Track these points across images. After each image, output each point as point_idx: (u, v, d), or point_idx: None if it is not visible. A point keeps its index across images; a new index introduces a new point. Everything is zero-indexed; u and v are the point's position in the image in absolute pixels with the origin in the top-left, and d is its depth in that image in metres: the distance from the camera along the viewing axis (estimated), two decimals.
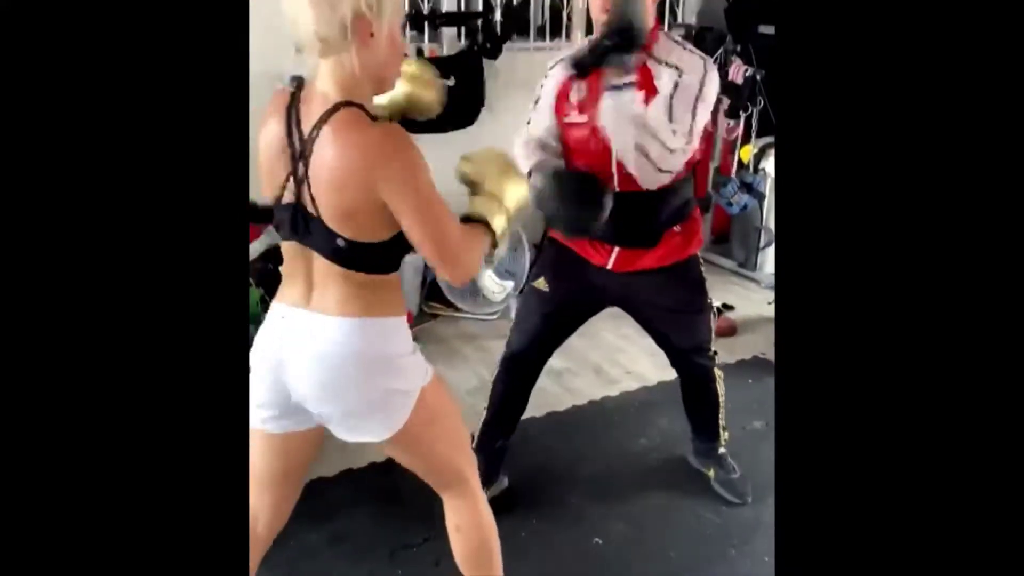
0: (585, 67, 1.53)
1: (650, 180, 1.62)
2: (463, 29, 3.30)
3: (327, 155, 1.10)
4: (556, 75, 1.73)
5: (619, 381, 2.70)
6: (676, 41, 1.70)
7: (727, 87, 3.23)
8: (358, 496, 2.02)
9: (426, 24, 3.25)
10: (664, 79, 1.61)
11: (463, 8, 3.35)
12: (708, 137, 3.70)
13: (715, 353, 1.97)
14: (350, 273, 1.16)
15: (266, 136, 1.18)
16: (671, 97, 1.59)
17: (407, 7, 3.19)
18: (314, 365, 1.19)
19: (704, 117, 1.63)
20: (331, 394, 1.20)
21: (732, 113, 3.31)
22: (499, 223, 1.26)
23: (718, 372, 1.99)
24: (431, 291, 3.17)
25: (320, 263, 1.17)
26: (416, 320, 3.07)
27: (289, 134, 1.14)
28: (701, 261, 1.90)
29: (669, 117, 1.58)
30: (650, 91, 1.59)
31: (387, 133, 1.11)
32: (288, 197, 1.16)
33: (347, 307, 1.17)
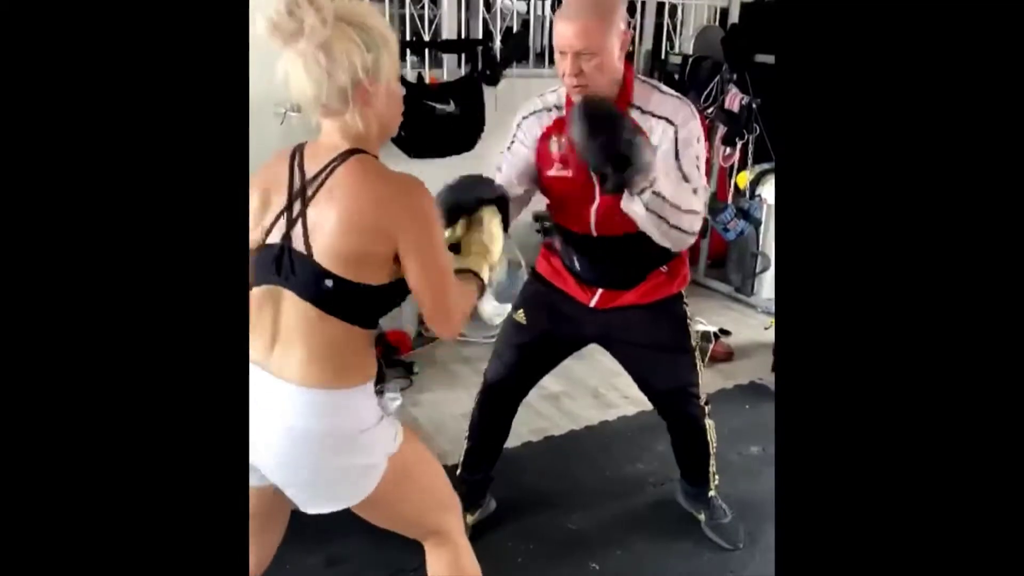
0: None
1: (681, 244, 1.58)
2: (463, 56, 3.35)
3: (339, 197, 1.09)
4: (533, 126, 1.68)
5: (617, 406, 2.70)
6: (649, 83, 1.64)
7: (724, 115, 3.27)
8: (355, 519, 2.01)
9: (427, 51, 3.30)
10: (658, 133, 1.56)
11: (464, 35, 3.40)
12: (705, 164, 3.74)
13: (707, 403, 1.89)
14: (322, 325, 1.12)
15: (262, 179, 1.17)
16: (676, 156, 1.55)
17: (408, 34, 3.24)
18: (274, 439, 1.14)
19: (703, 164, 1.62)
20: (291, 469, 1.17)
21: (729, 140, 3.35)
22: (485, 274, 1.34)
23: (709, 422, 1.91)
24: None
25: (290, 314, 1.13)
26: (414, 343, 3.08)
27: (291, 176, 1.14)
28: (686, 301, 1.86)
29: (682, 175, 1.54)
30: None
31: (409, 184, 1.12)
32: (275, 237, 1.14)
33: (312, 374, 1.12)
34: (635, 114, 1.59)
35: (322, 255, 1.10)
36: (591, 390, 2.80)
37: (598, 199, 1.64)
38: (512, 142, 1.72)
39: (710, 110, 3.33)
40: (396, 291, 1.16)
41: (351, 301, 1.13)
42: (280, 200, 1.14)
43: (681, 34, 4.02)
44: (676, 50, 3.92)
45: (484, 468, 1.99)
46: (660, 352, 1.82)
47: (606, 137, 1.40)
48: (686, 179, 1.56)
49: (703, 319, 3.26)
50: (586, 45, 1.49)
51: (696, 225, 1.55)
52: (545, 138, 1.67)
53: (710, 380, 2.90)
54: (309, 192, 1.12)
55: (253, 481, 1.24)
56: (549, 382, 2.79)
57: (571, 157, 1.61)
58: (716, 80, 3.24)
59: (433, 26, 3.31)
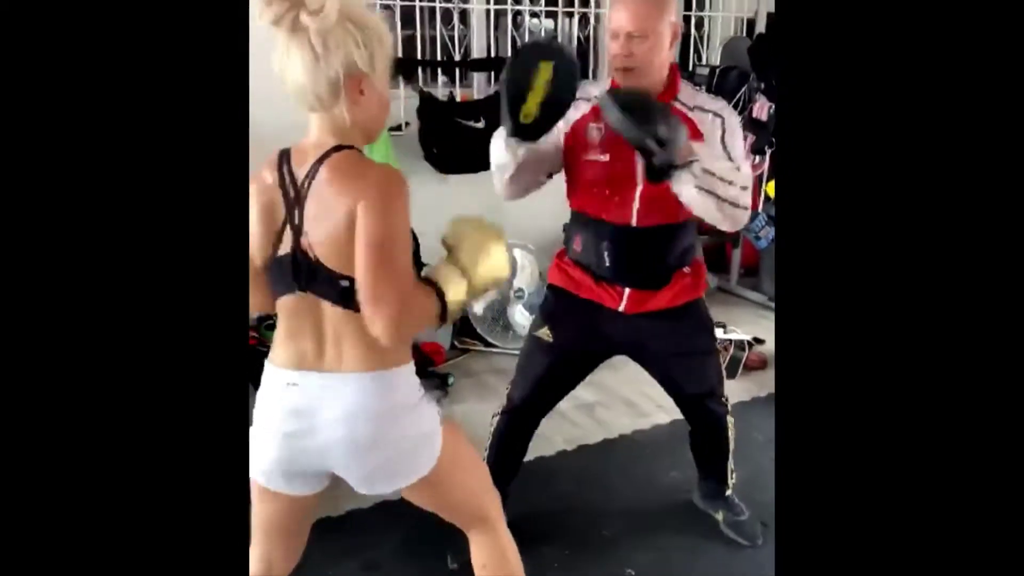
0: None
1: (737, 220, 1.59)
2: (493, 74, 3.42)
3: (324, 195, 1.12)
4: (570, 113, 1.66)
5: (650, 414, 2.71)
6: (690, 84, 1.73)
7: (752, 124, 3.29)
8: (392, 526, 2.06)
9: (457, 70, 3.37)
10: (708, 123, 1.64)
11: (493, 54, 3.47)
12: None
13: (726, 399, 1.93)
14: (356, 319, 1.14)
15: (258, 191, 1.17)
16: (724, 142, 1.62)
17: (440, 55, 3.32)
18: (346, 427, 1.18)
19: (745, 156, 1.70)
20: (364, 451, 1.20)
21: (758, 149, 3.35)
22: (455, 292, 1.21)
23: (731, 419, 1.95)
24: (463, 326, 3.23)
25: (331, 315, 1.16)
26: (448, 355, 3.13)
27: (282, 184, 1.16)
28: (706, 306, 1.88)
29: (728, 155, 1.62)
30: (695, 135, 1.60)
31: (387, 173, 1.13)
32: (284, 249, 1.16)
33: (365, 362, 1.17)
34: (682, 107, 1.64)
35: (328, 259, 1.13)
36: (625, 399, 2.81)
37: (641, 185, 1.64)
38: None
39: (738, 119, 3.35)
40: None
41: None
42: (280, 211, 1.16)
43: (708, 46, 4.04)
44: (704, 62, 3.94)
45: (500, 487, 1.97)
46: (692, 358, 1.84)
47: (643, 116, 1.44)
48: (731, 159, 1.62)
49: (737, 328, 3.25)
50: (638, 27, 1.55)
51: (747, 199, 1.57)
52: (582, 125, 1.69)
53: (744, 388, 2.91)
54: (302, 198, 1.14)
55: (302, 491, 1.29)
56: (583, 392, 2.80)
57: (610, 143, 1.64)
58: (743, 90, 3.25)
59: (463, 45, 3.39)
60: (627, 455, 2.47)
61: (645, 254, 1.73)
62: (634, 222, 1.69)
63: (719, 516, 2.06)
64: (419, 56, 3.31)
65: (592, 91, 1.72)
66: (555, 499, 2.19)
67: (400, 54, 3.29)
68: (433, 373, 2.89)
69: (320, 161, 1.13)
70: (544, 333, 1.85)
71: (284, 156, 1.18)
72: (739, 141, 1.65)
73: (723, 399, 1.91)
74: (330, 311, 1.17)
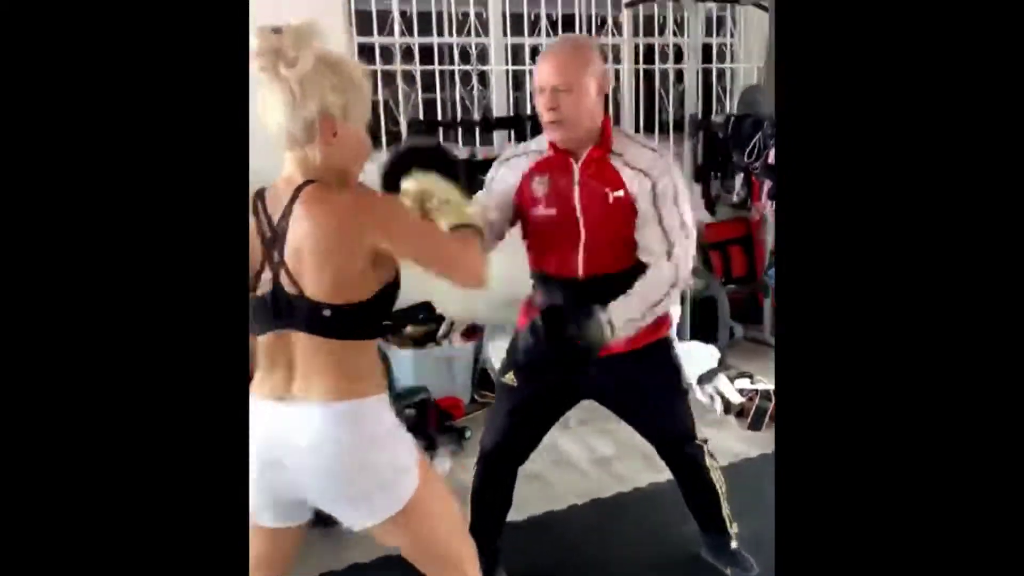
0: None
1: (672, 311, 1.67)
2: (514, 131, 3.50)
3: (305, 230, 1.16)
4: (516, 165, 1.75)
5: (667, 468, 2.64)
6: (626, 135, 1.72)
7: (769, 170, 3.27)
8: None
9: (478, 129, 3.47)
10: (636, 185, 1.63)
11: (513, 111, 3.57)
12: (761, 221, 3.71)
13: (705, 441, 1.89)
14: (333, 348, 1.19)
15: None
16: (653, 203, 1.62)
17: (460, 114, 3.43)
18: (313, 459, 1.20)
19: (690, 207, 1.65)
20: (335, 483, 1.22)
21: (775, 195, 3.32)
22: (476, 219, 1.37)
23: (711, 462, 1.89)
24: (482, 380, 3.24)
25: (303, 346, 1.20)
26: (468, 408, 3.13)
27: (259, 225, 1.20)
28: (674, 344, 1.84)
29: (659, 220, 1.62)
30: (621, 189, 1.63)
31: (358, 193, 1.21)
32: (264, 288, 1.20)
33: (333, 391, 1.20)
34: (616, 162, 1.64)
35: (314, 290, 1.18)
36: (643, 453, 2.73)
37: (584, 236, 1.66)
38: (492, 179, 1.78)
39: (755, 166, 3.34)
40: (386, 298, 1.23)
41: (351, 321, 1.20)
42: (256, 250, 1.20)
43: (730, 96, 4.06)
44: (727, 110, 3.95)
45: (489, 542, 1.87)
46: (656, 398, 1.82)
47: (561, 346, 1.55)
48: (666, 234, 1.60)
49: (764, 378, 3.18)
50: (562, 80, 1.58)
51: (669, 301, 1.65)
52: (528, 178, 1.71)
53: (767, 440, 2.82)
54: (280, 236, 1.19)
55: (284, 522, 1.31)
56: (600, 445, 2.79)
57: (554, 197, 1.67)
58: (758, 136, 3.25)
59: (483, 106, 3.49)
60: (639, 508, 2.41)
61: (595, 302, 1.67)
62: (580, 273, 1.69)
63: (728, 572, 1.99)
64: (440, 118, 3.42)
65: (532, 145, 1.75)
66: (564, 551, 2.15)
67: (422, 117, 3.42)
68: (450, 427, 2.89)
69: (294, 198, 1.18)
70: (509, 378, 1.83)
71: (258, 197, 1.23)
72: (673, 206, 1.62)
73: (698, 441, 1.87)
74: (303, 344, 1.21)
